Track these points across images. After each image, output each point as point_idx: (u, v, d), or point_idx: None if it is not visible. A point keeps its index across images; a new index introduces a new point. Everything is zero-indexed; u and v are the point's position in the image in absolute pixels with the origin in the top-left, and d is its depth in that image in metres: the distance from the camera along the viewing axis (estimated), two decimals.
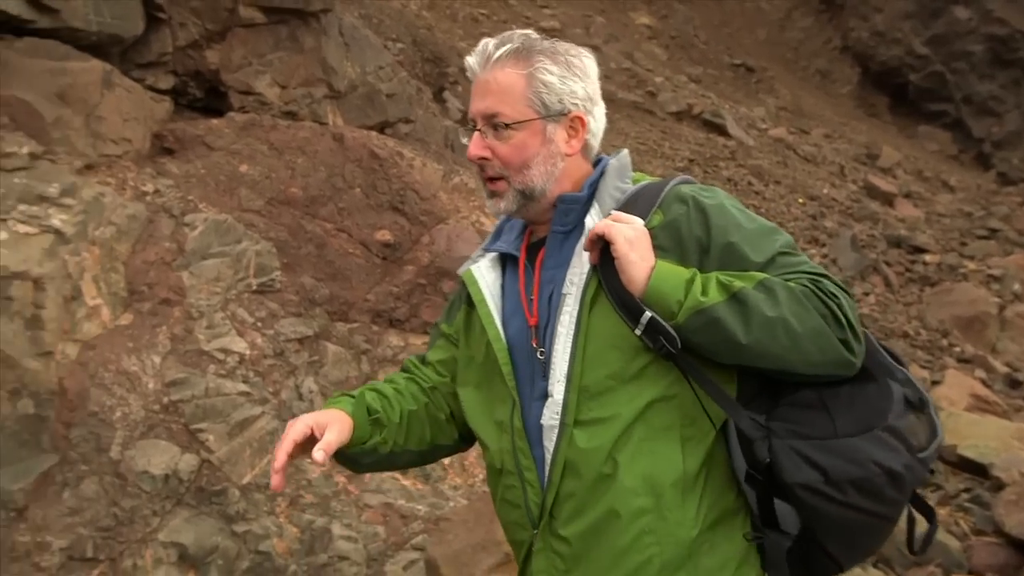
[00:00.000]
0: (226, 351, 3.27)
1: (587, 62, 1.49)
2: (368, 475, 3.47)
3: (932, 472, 1.44)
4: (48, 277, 2.93)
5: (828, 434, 1.31)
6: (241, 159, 3.86)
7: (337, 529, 3.24)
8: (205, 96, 4.22)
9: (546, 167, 1.45)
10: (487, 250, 1.57)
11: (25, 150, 3.15)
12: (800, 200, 10.65)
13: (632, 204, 1.43)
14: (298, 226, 3.82)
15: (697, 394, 1.37)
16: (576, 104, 1.45)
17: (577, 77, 1.46)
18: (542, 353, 1.43)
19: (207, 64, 4.14)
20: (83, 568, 2.78)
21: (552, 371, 1.41)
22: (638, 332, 1.34)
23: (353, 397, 1.53)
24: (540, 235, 1.52)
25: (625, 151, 1.55)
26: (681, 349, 1.33)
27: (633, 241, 1.34)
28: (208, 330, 3.28)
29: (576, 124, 1.46)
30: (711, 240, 1.38)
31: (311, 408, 3.38)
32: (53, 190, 3.09)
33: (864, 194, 11.83)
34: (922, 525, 1.40)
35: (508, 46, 1.45)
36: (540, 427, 1.41)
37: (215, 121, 4.06)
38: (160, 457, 2.96)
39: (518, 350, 1.47)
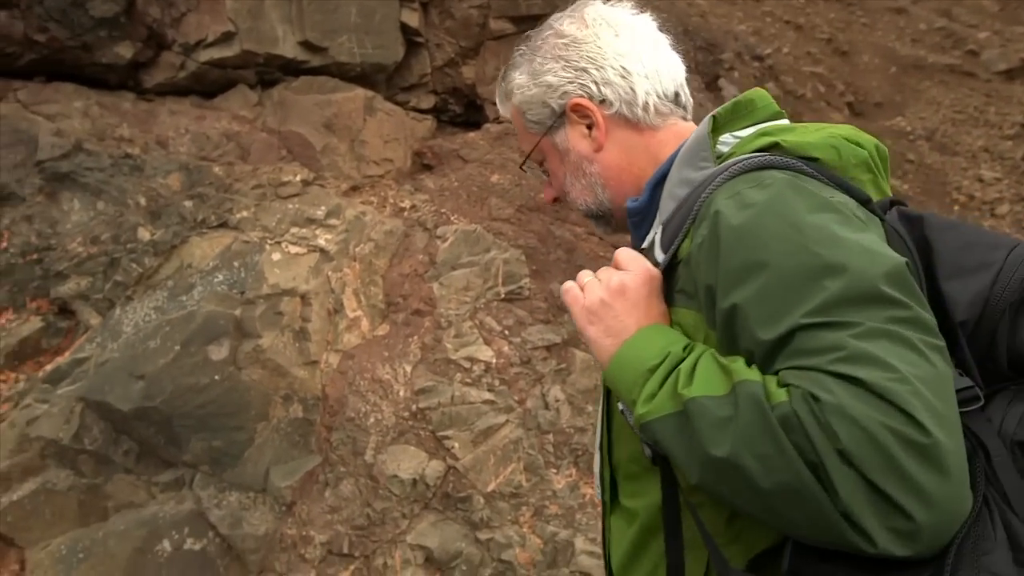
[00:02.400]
0: (472, 359, 3.26)
1: (572, 20, 1.13)
2: None
3: None
4: (313, 293, 3.11)
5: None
6: (493, 169, 3.85)
7: (580, 543, 3.09)
8: (464, 111, 4.28)
9: (580, 180, 1.14)
10: None
11: (298, 178, 3.38)
12: None
13: (671, 223, 0.99)
14: (547, 232, 3.72)
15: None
16: (562, 92, 1.11)
17: (551, 62, 1.12)
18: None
19: (464, 80, 4.19)
20: (341, 563, 2.91)
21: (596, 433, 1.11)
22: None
23: None
24: None
25: (708, 119, 1.03)
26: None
27: (595, 311, 0.96)
28: (456, 339, 3.29)
29: (578, 112, 1.10)
30: (718, 289, 0.87)
31: (556, 417, 3.27)
32: (320, 212, 3.29)
33: None
34: None
35: (499, 86, 1.20)
36: None
37: (471, 134, 4.10)
38: (409, 462, 3.02)
39: None
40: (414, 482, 3.00)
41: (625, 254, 0.99)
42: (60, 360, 2.91)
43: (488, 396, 3.20)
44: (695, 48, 6.51)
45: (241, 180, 3.27)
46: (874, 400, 0.73)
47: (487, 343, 3.35)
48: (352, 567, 2.93)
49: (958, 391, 0.79)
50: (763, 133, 1.01)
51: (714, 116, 1.02)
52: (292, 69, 3.64)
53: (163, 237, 3.08)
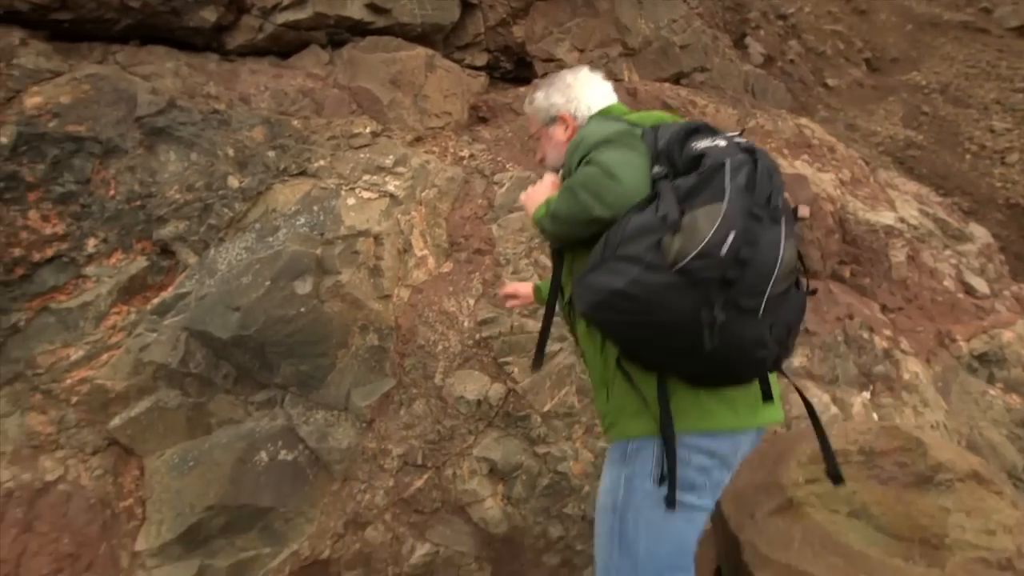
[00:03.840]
0: None
1: (570, 78, 2.15)
2: None
3: (724, 266, 1.56)
4: (385, 233, 3.21)
5: (583, 272, 1.69)
6: None
7: None
8: (514, 68, 4.31)
9: (555, 151, 2.13)
10: None
11: (368, 130, 3.46)
12: None
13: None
14: None
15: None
16: (557, 108, 2.12)
17: (557, 91, 2.14)
18: None
19: (514, 38, 4.21)
20: (415, 472, 3.07)
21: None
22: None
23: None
24: None
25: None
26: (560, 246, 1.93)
27: (530, 192, 2.03)
28: (513, 275, 3.39)
29: (562, 120, 2.12)
30: (570, 167, 1.86)
31: None
32: (388, 161, 3.37)
33: None
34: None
35: (529, 96, 2.23)
36: None
37: (522, 89, 4.14)
38: (473, 385, 3.15)
39: None
40: (478, 403, 3.13)
41: (548, 173, 2.06)
42: (164, 295, 3.05)
43: None
44: (723, 8, 6.42)
45: (317, 132, 3.35)
46: (585, 174, 1.73)
47: (542, 279, 3.44)
48: (425, 476, 3.09)
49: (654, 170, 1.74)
50: (599, 112, 2.08)
51: (589, 117, 2.08)
52: (359, 30, 3.69)
53: (250, 184, 3.19)
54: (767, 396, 1.82)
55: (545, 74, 4.26)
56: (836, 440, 2.74)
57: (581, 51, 4.36)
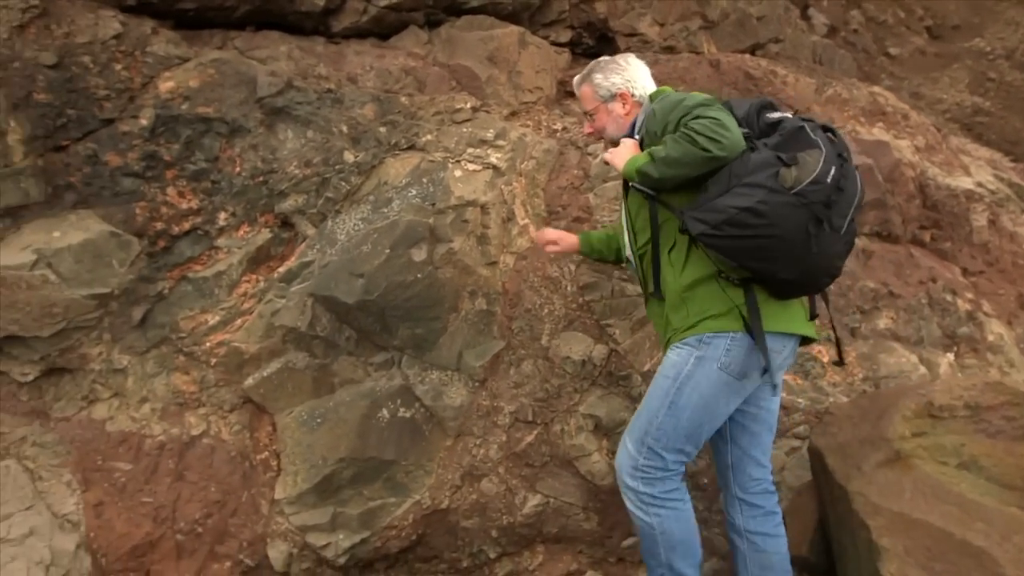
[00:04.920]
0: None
1: (622, 61, 2.62)
2: None
3: (828, 191, 2.04)
4: (490, 203, 3.26)
5: (704, 201, 2.11)
6: None
7: None
8: (596, 43, 4.30)
9: (615, 124, 2.58)
10: None
11: (468, 105, 3.51)
12: None
13: (638, 126, 2.47)
14: None
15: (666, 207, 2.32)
16: (618, 86, 2.56)
17: (615, 73, 2.57)
18: None
19: (596, 14, 4.20)
20: (526, 428, 3.15)
21: (624, 224, 2.65)
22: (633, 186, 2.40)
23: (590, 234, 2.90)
24: None
25: (647, 98, 2.58)
26: (656, 193, 2.33)
27: (615, 152, 2.43)
28: None
29: (622, 96, 2.56)
30: (659, 128, 2.29)
31: None
32: (489, 135, 3.42)
33: None
34: None
35: (579, 75, 2.68)
36: None
37: None
38: (578, 346, 3.20)
39: None
40: (583, 363, 3.19)
41: (625, 139, 2.47)
42: (289, 263, 3.16)
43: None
44: None
45: (423, 108, 3.41)
46: (696, 121, 2.14)
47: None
48: (535, 432, 3.16)
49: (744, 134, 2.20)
50: (662, 89, 2.57)
51: (649, 96, 2.54)
52: (454, 10, 3.72)
53: (364, 159, 3.26)
54: (812, 315, 2.38)
55: (628, 49, 4.24)
56: (940, 395, 2.72)
57: (662, 25, 4.33)
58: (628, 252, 2.56)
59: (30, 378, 2.86)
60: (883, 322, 3.76)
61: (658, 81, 4.13)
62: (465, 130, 3.42)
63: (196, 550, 2.80)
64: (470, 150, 3.37)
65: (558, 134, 3.68)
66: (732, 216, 2.02)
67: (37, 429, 2.80)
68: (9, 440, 2.75)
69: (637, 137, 2.43)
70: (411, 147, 3.32)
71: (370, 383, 3.12)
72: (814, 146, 2.06)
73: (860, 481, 2.61)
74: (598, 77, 2.58)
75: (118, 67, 3.06)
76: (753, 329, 2.17)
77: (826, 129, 2.16)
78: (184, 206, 3.10)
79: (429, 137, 3.34)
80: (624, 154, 2.38)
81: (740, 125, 2.18)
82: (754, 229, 2.01)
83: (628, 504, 2.37)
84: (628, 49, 4.26)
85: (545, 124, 3.73)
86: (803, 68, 4.84)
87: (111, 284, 2.90)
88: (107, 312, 2.93)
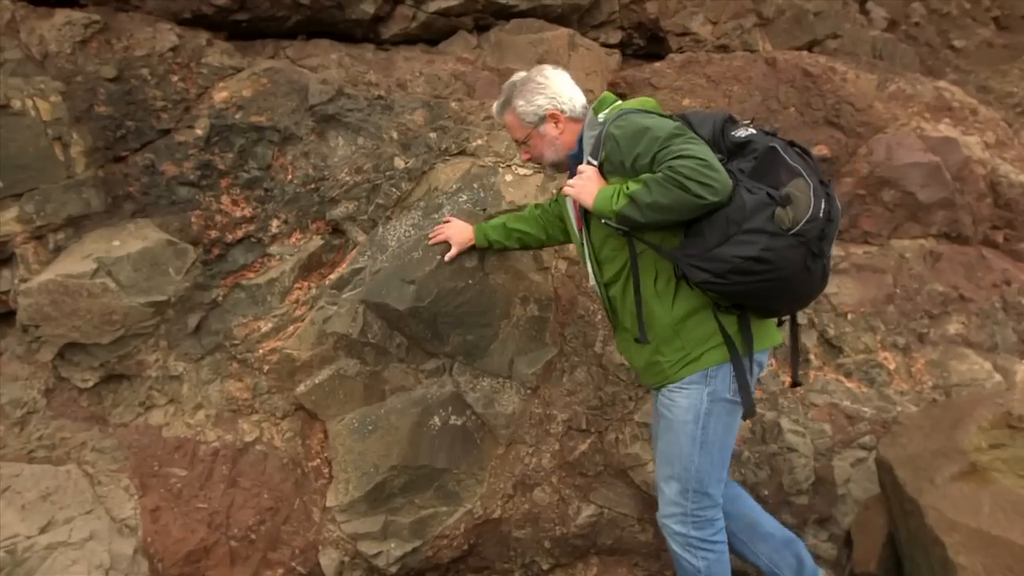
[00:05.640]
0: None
1: (540, 78, 2.43)
2: (812, 376, 3.29)
3: (822, 224, 2.04)
4: None
5: (704, 250, 2.04)
6: (683, 94, 3.82)
7: (785, 423, 3.14)
8: (647, 44, 4.25)
9: (551, 148, 2.44)
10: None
11: None
12: None
13: (594, 149, 2.25)
14: None
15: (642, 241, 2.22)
16: (544, 107, 2.40)
17: (536, 93, 2.40)
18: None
19: (647, 15, 4.15)
20: (579, 436, 3.10)
21: (586, 253, 2.44)
22: (603, 222, 2.23)
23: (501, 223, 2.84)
24: None
25: (590, 111, 2.39)
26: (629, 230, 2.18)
27: (579, 186, 2.23)
28: None
29: (554, 116, 2.40)
30: (626, 159, 2.15)
31: None
32: None
33: None
34: None
35: (498, 104, 2.53)
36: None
37: (657, 64, 4.06)
38: None
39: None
40: None
41: (582, 167, 2.26)
42: (341, 270, 3.18)
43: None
44: None
45: (472, 113, 3.40)
46: (682, 163, 2.00)
47: None
48: (589, 440, 3.11)
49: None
50: (614, 106, 2.31)
51: (593, 108, 2.36)
52: (503, 13, 3.71)
53: (414, 164, 3.26)
54: (780, 322, 2.41)
55: (680, 49, 4.18)
56: (1020, 405, 2.59)
57: (715, 23, 4.24)
58: (592, 282, 2.43)
59: (90, 384, 2.93)
60: (953, 327, 3.60)
61: (713, 83, 4.08)
62: None
63: (249, 556, 2.83)
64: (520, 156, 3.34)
65: None
66: (737, 265, 2.00)
67: (96, 435, 2.87)
68: (70, 445, 2.83)
69: (595, 163, 2.23)
70: (461, 152, 3.31)
71: (421, 390, 3.11)
72: (795, 173, 2.04)
73: (933, 495, 2.49)
74: (520, 103, 2.40)
75: (175, 78, 3.13)
76: (747, 355, 2.24)
77: (792, 145, 2.14)
78: (238, 214, 3.14)
79: (479, 142, 3.33)
80: (590, 188, 2.19)
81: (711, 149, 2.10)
82: (759, 275, 2.01)
83: (674, 546, 2.38)
84: (680, 50, 4.19)
85: None
86: (863, 64, 4.70)
87: (167, 292, 2.95)
88: (163, 319, 2.98)
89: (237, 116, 3.15)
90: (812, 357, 3.33)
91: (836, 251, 3.52)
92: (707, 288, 2.10)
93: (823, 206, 2.00)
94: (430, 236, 2.93)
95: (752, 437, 3.12)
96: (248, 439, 3.03)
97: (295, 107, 3.23)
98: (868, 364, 3.25)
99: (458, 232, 2.86)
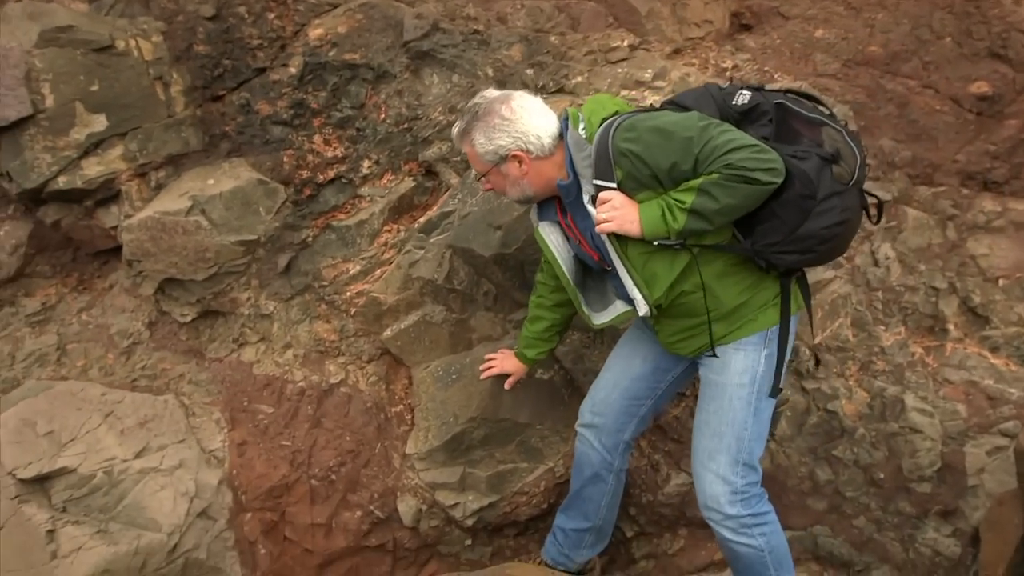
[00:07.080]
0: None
1: (506, 112, 2.15)
2: (950, 349, 2.93)
3: (867, 166, 2.06)
4: None
5: (788, 233, 2.00)
6: (816, 24, 3.42)
7: (911, 400, 2.81)
8: None
9: (516, 187, 2.24)
10: (541, 220, 2.35)
11: (626, 43, 3.24)
12: None
13: (601, 171, 2.03)
14: (877, 86, 3.26)
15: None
16: (506, 148, 2.15)
17: (499, 131, 2.14)
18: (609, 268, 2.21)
19: None
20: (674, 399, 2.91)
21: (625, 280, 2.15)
22: (655, 243, 2.06)
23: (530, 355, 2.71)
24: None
25: (566, 131, 2.18)
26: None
27: (616, 218, 2.02)
28: None
29: (516, 157, 2.16)
30: (658, 172, 1.98)
31: (886, 275, 2.96)
32: (647, 75, 3.14)
33: None
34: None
35: (457, 129, 2.25)
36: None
37: None
38: None
39: (584, 272, 2.36)
40: None
41: (605, 193, 2.04)
42: (430, 213, 3.11)
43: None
44: None
45: (574, 48, 3.19)
46: (737, 156, 1.91)
47: None
48: (682, 404, 2.93)
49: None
50: (593, 119, 2.12)
51: (566, 126, 2.18)
52: None
53: None
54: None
55: None
56: None
57: None
58: (644, 310, 2.13)
59: (188, 319, 3.06)
60: None
61: (853, 9, 3.61)
62: (620, 70, 3.17)
63: (329, 496, 2.89)
64: (624, 92, 3.11)
65: (728, 72, 3.32)
66: (823, 236, 2.00)
67: (194, 368, 3.00)
68: (169, 376, 2.97)
69: (612, 185, 2.02)
70: (559, 90, 3.13)
71: (508, 341, 3.03)
72: (815, 124, 2.04)
73: None
74: (480, 140, 2.16)
75: (271, 16, 3.12)
76: (791, 312, 2.25)
77: (787, 92, 2.14)
78: (329, 154, 3.14)
79: (579, 79, 3.13)
80: (630, 216, 2.00)
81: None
82: (840, 236, 2.04)
83: (727, 534, 2.21)
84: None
85: (713, 62, 3.38)
86: None
87: (258, 231, 3.00)
88: (255, 258, 3.05)
89: (331, 54, 3.11)
90: (951, 327, 2.95)
91: (991, 205, 3.07)
92: (797, 266, 2.13)
93: (859, 148, 2.02)
94: (482, 371, 2.79)
95: (869, 413, 2.82)
96: (333, 380, 3.07)
97: (390, 44, 3.15)
98: (1020, 339, 2.84)
99: (512, 363, 2.74)
